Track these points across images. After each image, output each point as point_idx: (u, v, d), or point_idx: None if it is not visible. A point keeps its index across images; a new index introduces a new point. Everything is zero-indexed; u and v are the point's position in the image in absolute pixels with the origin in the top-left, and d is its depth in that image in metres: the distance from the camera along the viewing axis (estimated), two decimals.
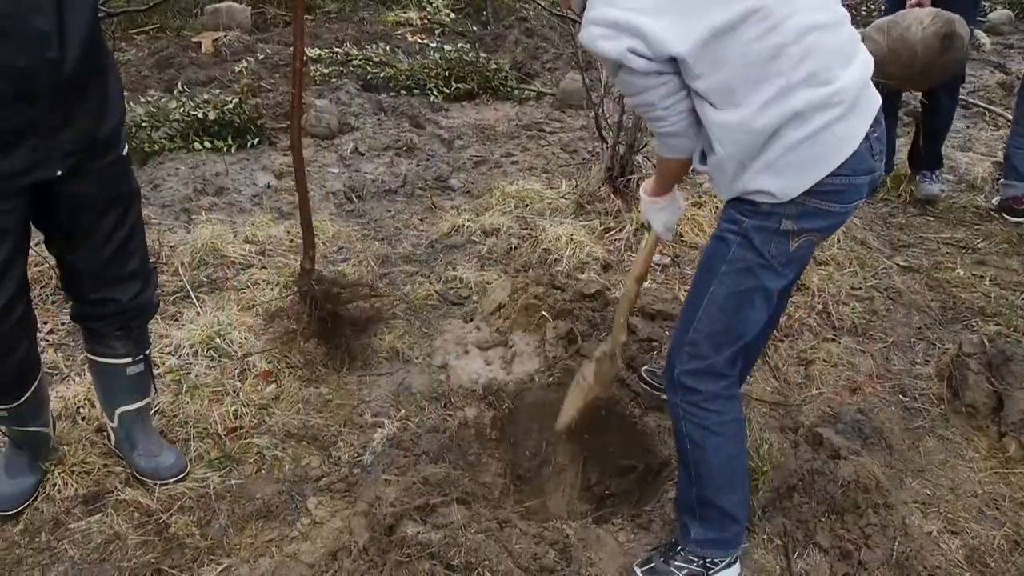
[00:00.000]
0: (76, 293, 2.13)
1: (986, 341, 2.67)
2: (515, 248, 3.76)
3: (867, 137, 1.71)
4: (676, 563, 2.04)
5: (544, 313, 3.10)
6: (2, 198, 1.77)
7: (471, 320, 3.23)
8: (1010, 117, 5.48)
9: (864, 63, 1.75)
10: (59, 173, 1.81)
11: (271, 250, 3.68)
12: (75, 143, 1.81)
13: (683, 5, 1.60)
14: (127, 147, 2.00)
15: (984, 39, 7.95)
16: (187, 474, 2.37)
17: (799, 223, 1.76)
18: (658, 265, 3.60)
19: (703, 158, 1.84)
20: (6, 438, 2.27)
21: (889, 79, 3.53)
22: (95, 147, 1.86)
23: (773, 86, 1.62)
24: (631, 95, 1.77)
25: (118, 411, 2.31)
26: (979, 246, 3.76)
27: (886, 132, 1.84)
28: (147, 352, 2.31)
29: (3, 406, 2.09)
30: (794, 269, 1.90)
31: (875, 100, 1.77)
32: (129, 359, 2.25)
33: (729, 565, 2.04)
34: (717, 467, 1.95)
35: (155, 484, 2.31)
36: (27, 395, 2.10)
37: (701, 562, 2.02)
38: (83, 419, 2.55)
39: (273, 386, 2.76)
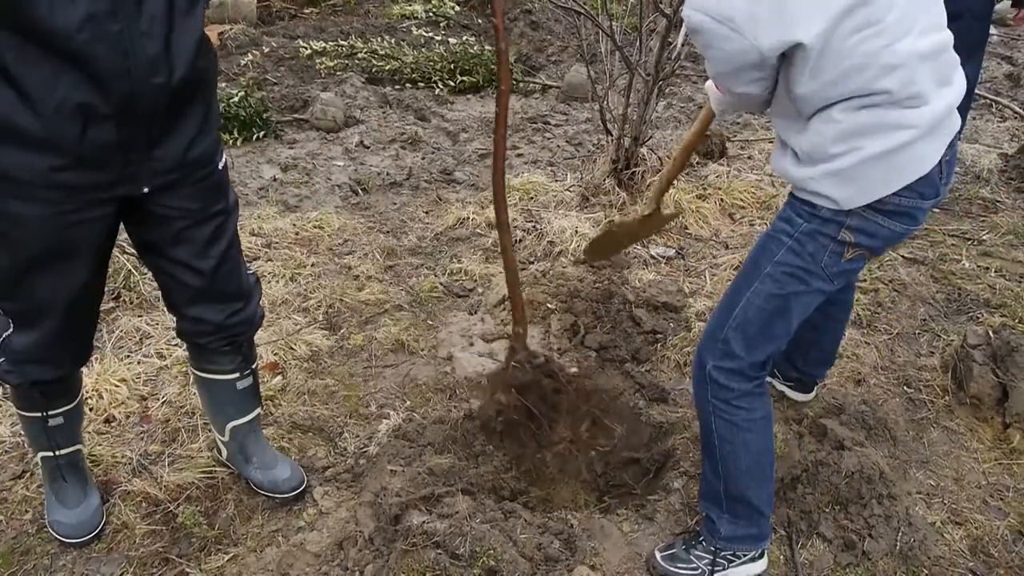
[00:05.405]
0: (174, 309, 2.05)
1: (991, 332, 2.66)
2: (520, 241, 3.76)
3: (939, 161, 1.69)
4: (697, 552, 2.04)
5: (549, 305, 3.11)
6: (85, 208, 1.68)
7: (476, 312, 3.24)
8: (1017, 108, 5.47)
9: (958, 89, 1.71)
10: (145, 190, 1.73)
11: (277, 243, 3.69)
12: (166, 162, 1.72)
13: None
14: (225, 159, 1.91)
15: (992, 30, 7.89)
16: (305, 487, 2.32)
17: (857, 236, 1.73)
18: (663, 257, 3.60)
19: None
20: (52, 476, 2.18)
21: None
22: (186, 165, 1.76)
23: (866, 98, 1.59)
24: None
25: (229, 426, 2.25)
26: (984, 238, 3.75)
27: None
28: (255, 365, 2.23)
29: (63, 408, 2.04)
30: (840, 282, 1.86)
31: (956, 123, 1.73)
32: (237, 374, 2.16)
33: (754, 559, 2.03)
34: (746, 464, 1.93)
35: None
36: (79, 398, 2.09)
37: (726, 553, 2.02)
38: (91, 410, 2.57)
39: (279, 378, 2.78)
